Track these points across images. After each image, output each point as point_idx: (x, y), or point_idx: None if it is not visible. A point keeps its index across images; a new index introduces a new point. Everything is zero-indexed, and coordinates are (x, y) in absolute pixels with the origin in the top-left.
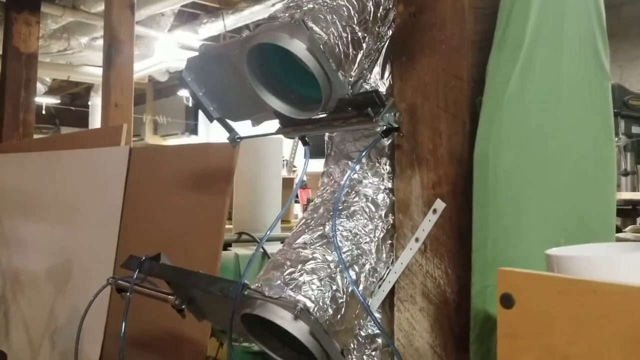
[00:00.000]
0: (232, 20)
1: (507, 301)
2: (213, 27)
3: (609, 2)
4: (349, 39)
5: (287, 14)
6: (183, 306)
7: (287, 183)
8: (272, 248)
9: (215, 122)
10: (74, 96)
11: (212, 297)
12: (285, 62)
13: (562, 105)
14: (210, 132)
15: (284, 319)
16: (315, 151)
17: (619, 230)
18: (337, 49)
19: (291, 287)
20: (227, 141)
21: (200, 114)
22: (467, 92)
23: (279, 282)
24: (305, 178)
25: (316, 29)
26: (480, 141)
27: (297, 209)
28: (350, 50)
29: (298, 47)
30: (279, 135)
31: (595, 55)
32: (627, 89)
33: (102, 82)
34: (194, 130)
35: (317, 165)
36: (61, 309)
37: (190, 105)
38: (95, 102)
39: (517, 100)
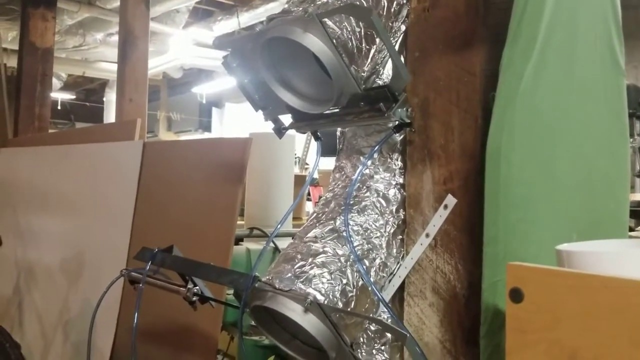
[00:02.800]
0: (246, 18)
1: (516, 296)
2: (228, 25)
3: (626, 3)
4: (362, 33)
5: (300, 8)
6: (194, 298)
7: (299, 180)
8: (283, 243)
9: (229, 119)
10: (89, 92)
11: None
12: (298, 55)
13: (576, 102)
14: (224, 129)
15: (294, 311)
16: (328, 149)
17: (631, 230)
18: (350, 44)
19: (302, 280)
20: (273, 131)
21: (214, 110)
22: (479, 87)
23: (289, 274)
24: (317, 175)
25: (329, 23)
26: (492, 136)
27: (309, 206)
28: (363, 45)
29: (311, 41)
30: (291, 132)
31: (610, 52)
32: None
33: (117, 77)
34: (207, 127)
35: (330, 163)
36: (74, 300)
37: (204, 102)
38: (110, 98)
39: (530, 96)
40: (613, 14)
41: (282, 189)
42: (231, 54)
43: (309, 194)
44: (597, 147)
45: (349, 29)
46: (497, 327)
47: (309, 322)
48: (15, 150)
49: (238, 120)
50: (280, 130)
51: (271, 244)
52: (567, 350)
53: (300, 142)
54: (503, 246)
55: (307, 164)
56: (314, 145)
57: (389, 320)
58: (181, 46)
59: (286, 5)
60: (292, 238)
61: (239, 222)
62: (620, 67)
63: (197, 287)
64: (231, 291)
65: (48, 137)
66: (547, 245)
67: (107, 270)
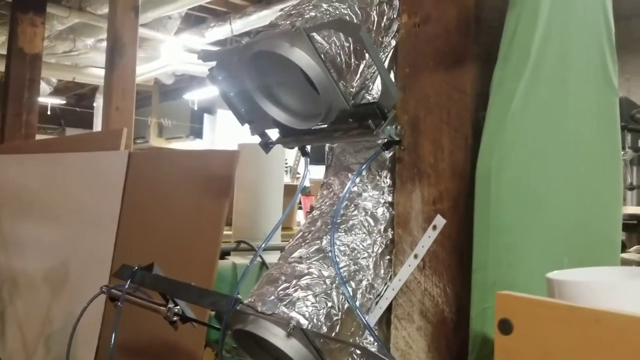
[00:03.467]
0: (239, 25)
1: (505, 327)
2: (220, 31)
3: (618, 14)
4: (351, 48)
5: (288, 22)
6: (175, 318)
7: (290, 190)
8: (271, 258)
9: (220, 126)
10: (80, 97)
11: None
12: (285, 69)
13: (568, 122)
14: (216, 137)
15: (276, 336)
16: (319, 157)
17: (624, 247)
18: (338, 59)
19: (285, 303)
20: (259, 146)
21: (206, 117)
22: (470, 106)
23: (272, 297)
24: (309, 184)
25: (317, 37)
26: (483, 157)
27: (300, 215)
28: (352, 60)
29: (298, 56)
30: None
31: (603, 71)
32: (634, 102)
33: (104, 85)
34: (199, 134)
35: (322, 172)
36: (57, 313)
37: (196, 108)
38: (100, 104)
39: (521, 117)
40: (607, 32)
41: (271, 200)
42: (217, 67)
43: (300, 203)
44: (589, 168)
45: (337, 44)
46: (486, 355)
47: (292, 348)
48: (1, 158)
49: (230, 127)
50: (267, 145)
51: (258, 259)
52: None
53: (292, 151)
54: (492, 272)
55: (298, 173)
56: None
57: (375, 345)
58: (173, 52)
59: (274, 19)
60: (280, 252)
61: (226, 234)
62: (614, 86)
63: (178, 307)
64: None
65: (34, 145)
66: (537, 270)
67: (90, 283)
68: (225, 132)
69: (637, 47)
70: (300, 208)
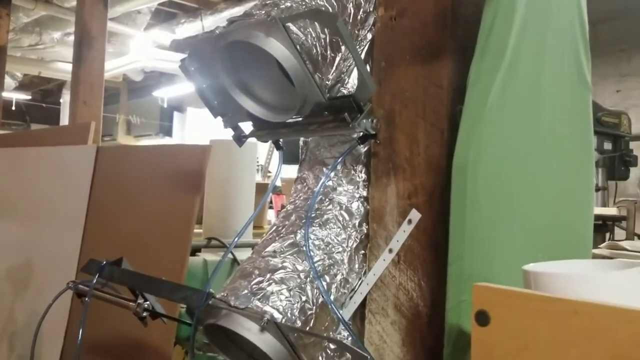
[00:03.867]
0: (210, 22)
1: (482, 318)
2: (191, 28)
3: None
4: (327, 40)
5: (263, 12)
6: (145, 314)
7: (261, 189)
8: (243, 254)
9: (190, 124)
10: (46, 93)
11: None
12: (260, 61)
13: (544, 118)
14: (186, 135)
15: (249, 330)
16: (291, 157)
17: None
18: (314, 50)
19: (258, 297)
20: (233, 139)
21: (176, 115)
22: (446, 100)
23: (245, 291)
24: (280, 184)
25: (293, 28)
26: (459, 150)
27: (271, 215)
28: (329, 52)
29: (273, 47)
30: (253, 140)
31: (577, 69)
32: (600, 105)
33: (72, 78)
34: (168, 132)
35: (293, 171)
36: (21, 311)
37: (166, 106)
38: (67, 100)
39: (498, 111)
40: (581, 29)
41: (243, 197)
42: (189, 57)
43: (271, 202)
44: (563, 164)
45: (313, 35)
46: (462, 348)
47: (265, 342)
48: None
49: (200, 125)
50: (240, 139)
51: (230, 255)
52: None
53: (263, 150)
54: (468, 265)
55: (269, 172)
56: (277, 153)
57: (349, 339)
58: (142, 48)
59: (248, 9)
60: (252, 248)
61: (196, 232)
62: (587, 83)
63: (148, 302)
64: (185, 305)
65: None
66: (512, 264)
67: (56, 281)
68: (195, 130)
69: (602, 51)
70: (271, 207)
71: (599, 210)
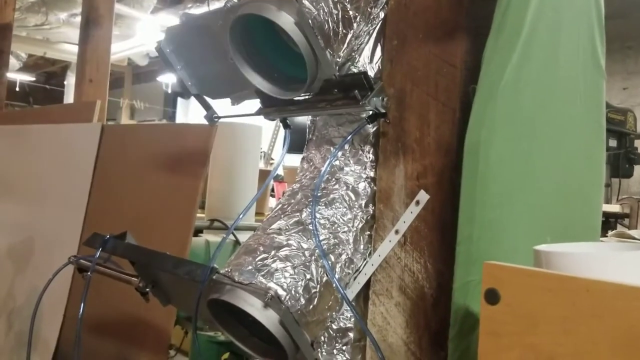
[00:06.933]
0: (217, 6)
1: (492, 297)
2: (198, 12)
3: None
4: (340, 16)
5: None
6: (147, 289)
7: (264, 175)
8: (245, 237)
9: (194, 109)
10: (50, 75)
11: (179, 280)
12: (270, 37)
13: (557, 99)
14: (189, 120)
15: (253, 306)
16: (295, 146)
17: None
18: (326, 26)
19: (263, 273)
20: (205, 120)
21: (179, 101)
22: (459, 79)
23: (250, 267)
24: (282, 172)
25: (306, 2)
26: (472, 130)
27: (273, 202)
28: (340, 28)
29: (285, 20)
30: (258, 124)
31: (592, 51)
32: (606, 102)
33: (78, 56)
34: (171, 118)
35: (296, 160)
36: (21, 288)
37: (170, 91)
38: (71, 82)
39: (512, 90)
40: (597, 13)
41: (246, 181)
42: (165, 40)
43: (272, 190)
44: (574, 149)
45: (326, 10)
46: (468, 329)
47: (268, 319)
48: None
49: (203, 112)
50: (212, 119)
51: (231, 237)
52: (543, 355)
53: (266, 137)
54: (477, 245)
55: (272, 159)
56: (280, 140)
57: (352, 319)
58: (148, 32)
59: None
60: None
61: (199, 214)
62: (601, 68)
63: None
64: None
65: (2, 117)
66: (521, 246)
67: (57, 258)
68: (199, 116)
69: (609, 49)
70: (272, 195)
71: (604, 207)
